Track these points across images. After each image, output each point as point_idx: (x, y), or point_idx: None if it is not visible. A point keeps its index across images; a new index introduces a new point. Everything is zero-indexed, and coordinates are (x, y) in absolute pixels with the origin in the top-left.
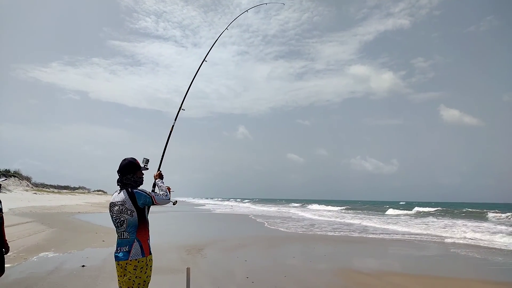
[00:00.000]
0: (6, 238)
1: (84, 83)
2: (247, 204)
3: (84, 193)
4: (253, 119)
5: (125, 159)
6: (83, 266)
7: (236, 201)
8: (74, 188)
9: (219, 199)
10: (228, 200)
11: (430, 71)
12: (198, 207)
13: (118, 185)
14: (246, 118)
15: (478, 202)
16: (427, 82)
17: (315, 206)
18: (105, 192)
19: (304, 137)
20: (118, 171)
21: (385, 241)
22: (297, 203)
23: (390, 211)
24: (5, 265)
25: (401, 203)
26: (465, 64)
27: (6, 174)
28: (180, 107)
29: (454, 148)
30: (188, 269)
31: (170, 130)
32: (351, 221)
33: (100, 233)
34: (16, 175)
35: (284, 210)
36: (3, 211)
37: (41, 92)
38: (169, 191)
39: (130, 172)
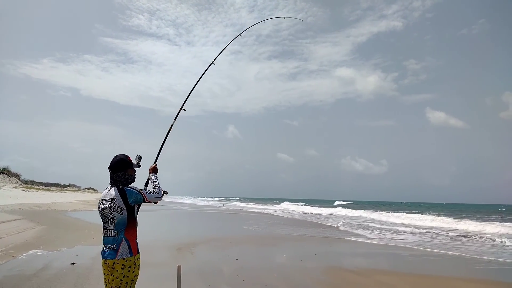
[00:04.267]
0: None
1: (75, 80)
2: (237, 203)
3: (74, 190)
4: (245, 118)
5: (116, 155)
6: (73, 264)
7: (227, 200)
8: (64, 186)
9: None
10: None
11: (422, 73)
12: (188, 206)
13: (110, 181)
14: (239, 117)
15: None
16: (418, 84)
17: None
18: (95, 190)
19: (295, 137)
20: (109, 168)
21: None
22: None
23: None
24: None
25: (382, 204)
26: (456, 66)
27: None
28: (182, 107)
29: (442, 150)
30: (179, 267)
31: (169, 128)
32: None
33: (90, 231)
34: (5, 172)
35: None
36: None
37: (32, 89)
38: (163, 193)
39: (121, 170)
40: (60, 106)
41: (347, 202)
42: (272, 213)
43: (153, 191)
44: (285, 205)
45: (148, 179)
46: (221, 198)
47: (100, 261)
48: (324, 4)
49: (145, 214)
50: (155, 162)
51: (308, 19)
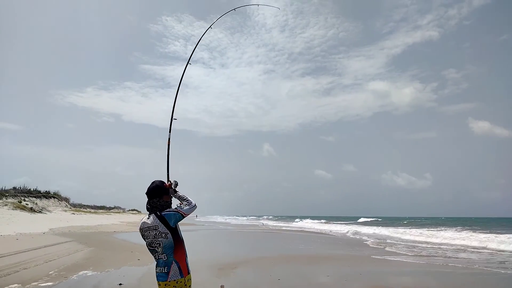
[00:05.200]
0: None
1: (117, 106)
2: (276, 222)
3: (119, 212)
4: (280, 136)
5: (153, 182)
6: (121, 284)
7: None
8: (110, 208)
9: (249, 216)
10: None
11: (463, 82)
12: (228, 226)
13: (147, 208)
14: (274, 135)
15: None
16: (460, 94)
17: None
18: (139, 212)
19: (332, 153)
20: (146, 194)
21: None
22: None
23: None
24: (47, 283)
25: (421, 218)
26: (499, 73)
27: (47, 195)
28: (172, 116)
29: (488, 161)
30: (222, 287)
31: (167, 142)
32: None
33: (135, 252)
34: (56, 196)
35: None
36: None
37: (78, 116)
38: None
39: (156, 196)
40: (103, 132)
41: (371, 219)
42: (314, 231)
43: (185, 204)
44: (316, 224)
45: (177, 197)
46: (261, 217)
47: (146, 281)
48: (356, 19)
49: (185, 234)
50: (168, 180)
51: (340, 34)
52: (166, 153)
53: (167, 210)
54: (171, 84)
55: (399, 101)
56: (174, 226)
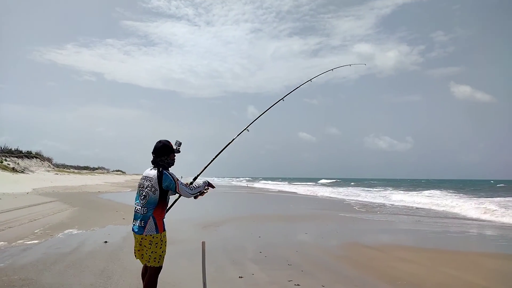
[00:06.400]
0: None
1: (99, 65)
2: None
3: (103, 173)
4: (267, 97)
5: (159, 141)
6: (106, 242)
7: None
8: (94, 169)
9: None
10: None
11: (450, 45)
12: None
13: (152, 164)
14: (260, 97)
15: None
16: (446, 57)
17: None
18: (123, 172)
19: (315, 115)
20: (153, 152)
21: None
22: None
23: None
24: (33, 241)
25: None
26: (487, 36)
27: (29, 155)
28: (246, 128)
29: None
30: (203, 243)
31: (228, 142)
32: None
33: (120, 211)
34: (38, 156)
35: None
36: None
37: (58, 74)
38: (202, 192)
39: (164, 154)
40: (85, 91)
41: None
42: (296, 193)
43: (188, 187)
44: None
45: (197, 178)
46: (246, 178)
47: (130, 239)
48: None
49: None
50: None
51: None
52: (218, 152)
53: (170, 173)
54: (154, 42)
55: (382, 64)
56: (165, 189)
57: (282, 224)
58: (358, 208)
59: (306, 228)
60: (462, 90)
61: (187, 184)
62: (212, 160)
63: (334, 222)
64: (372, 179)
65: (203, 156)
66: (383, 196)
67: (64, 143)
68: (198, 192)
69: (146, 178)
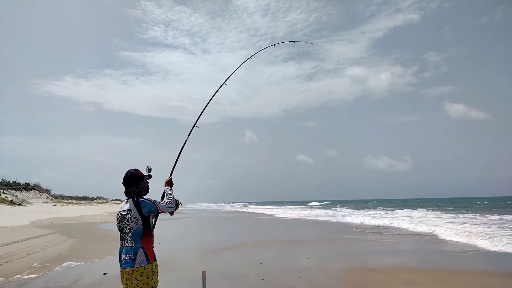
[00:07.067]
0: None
1: (97, 95)
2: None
3: (102, 203)
4: (265, 122)
5: (127, 171)
6: (105, 274)
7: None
8: (92, 199)
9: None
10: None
11: (443, 65)
12: (213, 213)
13: (125, 196)
14: (258, 122)
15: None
16: (440, 77)
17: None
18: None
19: (312, 138)
20: (123, 183)
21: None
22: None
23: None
24: (31, 276)
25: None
26: (479, 56)
27: (27, 187)
28: (194, 125)
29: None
30: (203, 272)
31: (182, 144)
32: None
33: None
34: (36, 188)
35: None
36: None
37: (56, 105)
38: (177, 204)
39: (133, 184)
40: (84, 121)
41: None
42: (295, 217)
43: (167, 202)
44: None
45: (164, 192)
46: (243, 203)
47: None
48: (338, 2)
49: (172, 223)
50: (171, 175)
51: (322, 18)
52: (178, 154)
53: (146, 198)
54: (152, 71)
55: (376, 86)
56: (147, 215)
57: (283, 249)
58: (359, 230)
59: (308, 253)
60: (456, 109)
61: (162, 200)
62: (174, 164)
63: (336, 245)
64: (371, 200)
65: (202, 181)
66: (384, 217)
67: (63, 174)
68: (175, 199)
69: (123, 211)
